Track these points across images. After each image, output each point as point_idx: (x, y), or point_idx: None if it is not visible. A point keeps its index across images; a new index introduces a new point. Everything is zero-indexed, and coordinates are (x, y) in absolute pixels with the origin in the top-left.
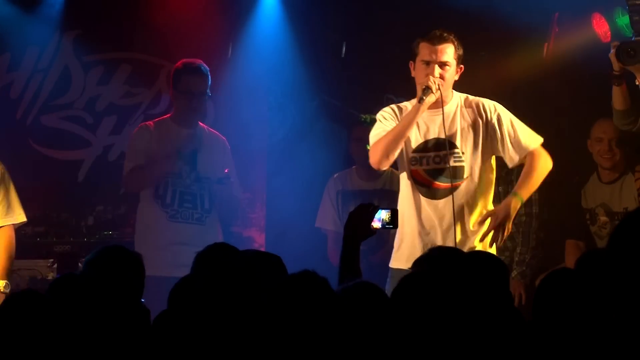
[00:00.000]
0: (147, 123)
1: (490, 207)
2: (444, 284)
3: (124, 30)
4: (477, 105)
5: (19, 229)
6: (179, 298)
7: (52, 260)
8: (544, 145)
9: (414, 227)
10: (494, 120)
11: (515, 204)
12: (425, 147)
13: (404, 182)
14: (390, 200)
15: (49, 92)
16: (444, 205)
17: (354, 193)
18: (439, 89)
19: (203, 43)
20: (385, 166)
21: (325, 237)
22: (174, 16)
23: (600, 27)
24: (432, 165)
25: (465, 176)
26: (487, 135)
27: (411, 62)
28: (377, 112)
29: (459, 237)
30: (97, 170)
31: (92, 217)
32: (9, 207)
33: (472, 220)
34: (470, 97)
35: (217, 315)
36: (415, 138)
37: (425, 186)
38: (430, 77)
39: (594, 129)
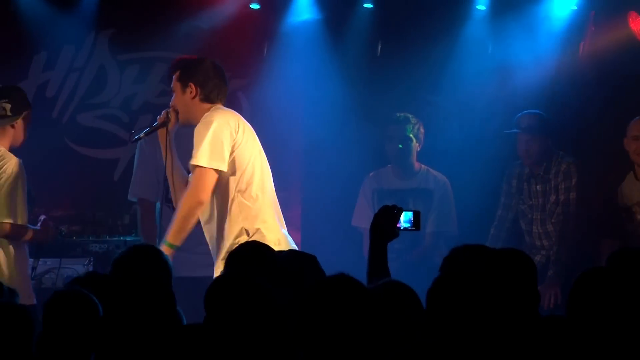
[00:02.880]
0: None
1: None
2: (474, 284)
3: (159, 29)
4: None
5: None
6: (215, 299)
7: (88, 259)
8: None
9: None
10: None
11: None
12: None
13: None
14: (425, 199)
15: (85, 90)
16: None
17: (390, 192)
18: (167, 116)
19: (239, 42)
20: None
21: (362, 236)
22: (210, 15)
23: (637, 25)
24: None
25: None
26: None
27: None
28: (413, 110)
29: None
30: (133, 169)
31: (128, 216)
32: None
33: None
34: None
35: (254, 316)
36: None
37: None
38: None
39: (630, 127)
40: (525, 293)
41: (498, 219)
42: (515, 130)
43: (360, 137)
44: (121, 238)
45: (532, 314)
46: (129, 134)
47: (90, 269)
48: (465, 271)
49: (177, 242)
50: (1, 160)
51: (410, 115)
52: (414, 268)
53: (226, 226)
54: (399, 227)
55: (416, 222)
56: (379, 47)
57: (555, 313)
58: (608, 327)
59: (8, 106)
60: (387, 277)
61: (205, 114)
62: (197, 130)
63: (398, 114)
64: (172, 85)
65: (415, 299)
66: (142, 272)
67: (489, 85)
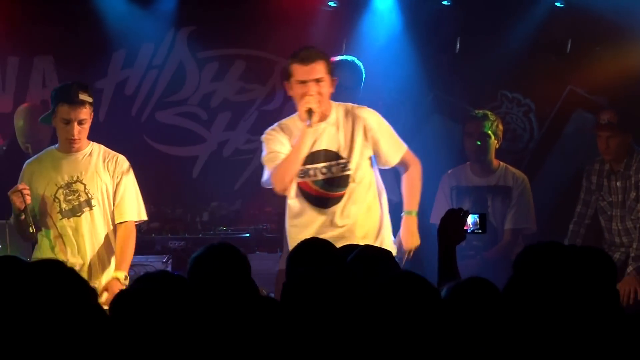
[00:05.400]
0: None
1: (376, 202)
2: (551, 282)
3: (238, 26)
4: (355, 114)
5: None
6: (294, 296)
7: (167, 256)
8: None
9: (303, 234)
10: (371, 126)
11: (411, 223)
12: (312, 159)
13: (292, 193)
14: (504, 196)
15: (164, 88)
16: (334, 212)
17: (469, 189)
18: (318, 105)
19: (317, 39)
20: (288, 191)
21: None
22: (288, 12)
23: None
24: (320, 176)
25: (350, 183)
26: (366, 141)
27: (286, 82)
28: (491, 107)
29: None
30: (212, 166)
31: (207, 213)
32: (131, 203)
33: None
34: (350, 106)
35: (328, 311)
36: None
37: (313, 196)
38: (308, 97)
39: None
40: (603, 292)
41: (577, 216)
42: None
43: (439, 134)
44: (200, 235)
45: (613, 312)
46: (207, 131)
47: (169, 266)
48: (540, 270)
49: (416, 209)
50: None
51: (489, 112)
52: (492, 265)
53: (378, 219)
54: (466, 230)
55: (482, 224)
56: (458, 43)
57: (636, 310)
58: None
59: None
60: (457, 280)
61: (366, 110)
62: (387, 127)
63: (477, 111)
64: (319, 76)
65: (497, 295)
66: (221, 270)
67: (568, 80)
